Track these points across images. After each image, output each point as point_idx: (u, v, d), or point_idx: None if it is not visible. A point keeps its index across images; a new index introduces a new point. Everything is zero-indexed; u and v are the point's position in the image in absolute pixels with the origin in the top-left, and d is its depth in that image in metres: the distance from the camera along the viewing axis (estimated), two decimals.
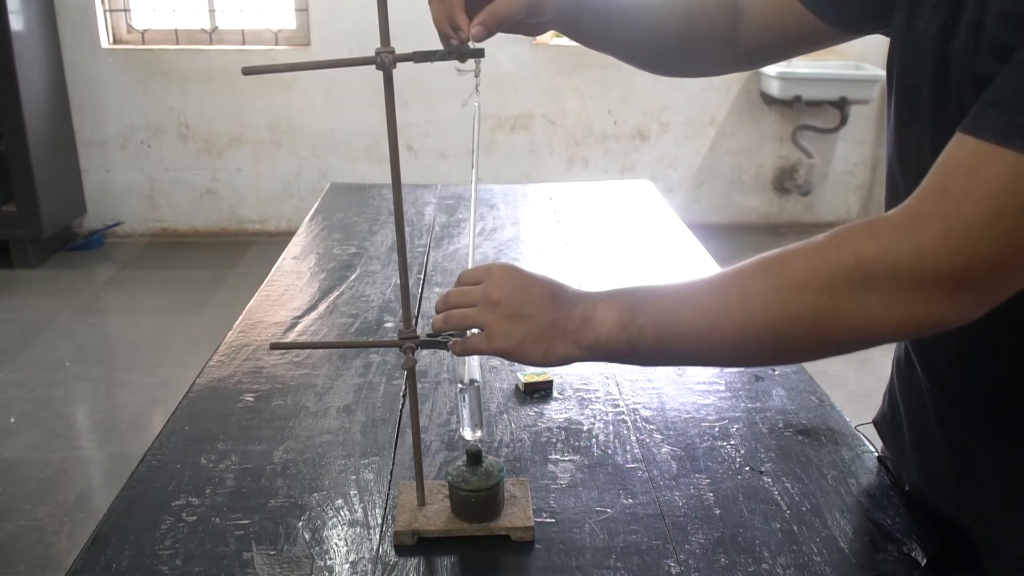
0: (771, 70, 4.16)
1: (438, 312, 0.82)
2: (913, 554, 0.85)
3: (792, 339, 0.69)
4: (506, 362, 1.25)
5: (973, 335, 0.80)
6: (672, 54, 1.02)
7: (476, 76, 0.87)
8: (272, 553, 0.85)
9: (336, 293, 1.51)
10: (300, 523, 0.90)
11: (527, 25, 0.90)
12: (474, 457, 0.88)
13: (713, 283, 0.73)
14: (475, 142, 0.96)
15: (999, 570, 0.84)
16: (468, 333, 0.81)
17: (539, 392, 1.17)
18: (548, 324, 0.77)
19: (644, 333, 0.74)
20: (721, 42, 1.00)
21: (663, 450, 1.04)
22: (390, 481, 0.97)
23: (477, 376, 0.93)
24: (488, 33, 0.83)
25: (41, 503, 2.35)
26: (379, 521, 0.90)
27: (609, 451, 1.03)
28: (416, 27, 4.69)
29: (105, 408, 2.89)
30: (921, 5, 0.79)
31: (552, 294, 0.79)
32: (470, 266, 0.87)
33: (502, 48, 4.24)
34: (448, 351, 0.83)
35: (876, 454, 1.03)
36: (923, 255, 0.62)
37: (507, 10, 0.83)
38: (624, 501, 0.94)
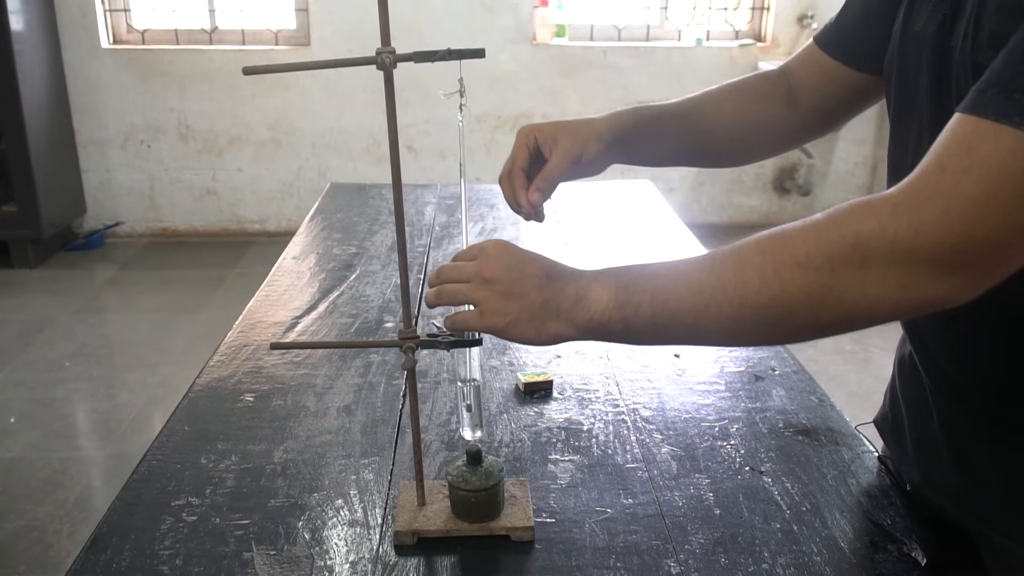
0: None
1: (431, 287, 0.82)
2: (913, 554, 0.85)
3: (789, 317, 0.68)
4: (506, 362, 1.25)
5: (975, 334, 0.80)
6: (729, 148, 1.07)
7: (461, 96, 0.90)
8: (272, 553, 0.85)
9: (336, 293, 1.51)
10: (300, 523, 0.90)
11: (582, 172, 0.98)
12: (474, 457, 0.88)
13: (709, 261, 0.73)
14: (462, 166, 0.98)
15: (1000, 570, 0.84)
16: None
17: (539, 392, 1.17)
18: (542, 303, 0.76)
19: (639, 312, 0.73)
20: (780, 121, 1.04)
21: (663, 450, 1.04)
22: (390, 481, 0.97)
23: (477, 376, 0.93)
24: (544, 197, 0.95)
25: (41, 503, 2.35)
26: (379, 521, 0.90)
27: (609, 451, 1.03)
28: (416, 27, 4.66)
29: (105, 408, 2.89)
30: (918, 7, 0.79)
31: (546, 272, 0.78)
32: None
33: (502, 48, 4.24)
34: (448, 352, 0.83)
35: (876, 454, 1.03)
36: (922, 232, 0.62)
37: (556, 171, 0.94)
38: (624, 501, 0.94)
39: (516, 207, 0.96)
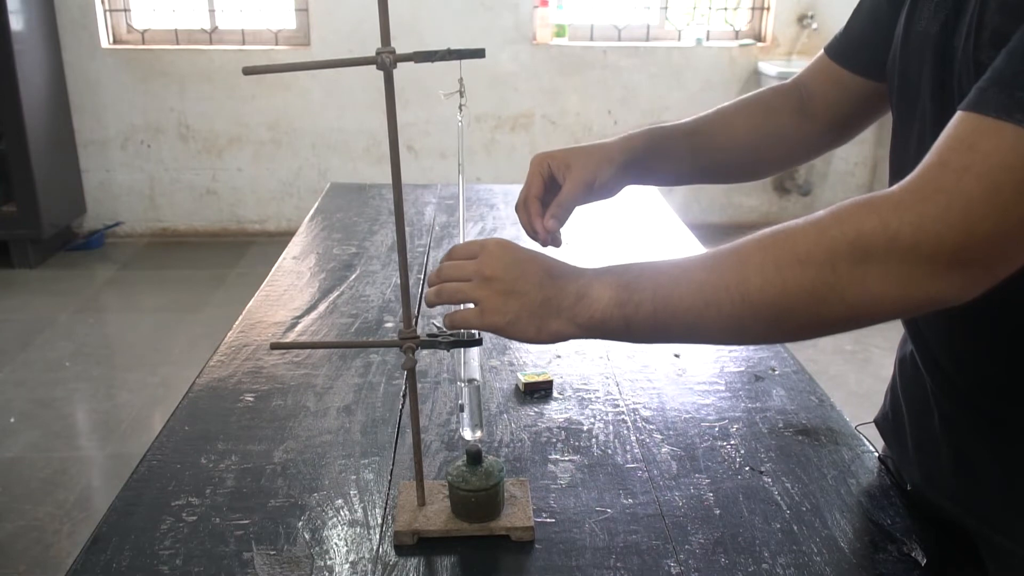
0: (771, 69, 4.16)
1: (431, 285, 0.82)
2: (913, 554, 0.85)
3: (791, 315, 0.68)
4: (506, 361, 1.25)
5: (976, 334, 0.80)
6: (743, 163, 1.07)
7: (461, 96, 0.91)
8: (272, 553, 0.85)
9: (336, 293, 1.51)
10: (300, 523, 0.90)
11: (596, 196, 0.98)
12: (474, 457, 0.88)
13: (711, 259, 0.73)
14: (460, 163, 0.99)
15: (1000, 570, 0.84)
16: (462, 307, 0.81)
17: (539, 392, 1.17)
18: (542, 301, 0.76)
19: (640, 310, 0.73)
20: (793, 133, 1.04)
21: (663, 450, 1.04)
22: (390, 481, 0.97)
23: (477, 376, 0.93)
24: (560, 223, 0.96)
25: (41, 503, 2.35)
26: (379, 521, 0.90)
27: (609, 451, 1.03)
28: (416, 27, 4.66)
29: (105, 408, 2.89)
30: (920, 7, 0.79)
31: (547, 271, 0.78)
32: None
33: (502, 48, 4.24)
34: (448, 352, 0.83)
35: (876, 454, 1.03)
36: (923, 229, 0.61)
37: (571, 197, 0.95)
38: (624, 501, 0.94)
39: (533, 234, 0.97)
